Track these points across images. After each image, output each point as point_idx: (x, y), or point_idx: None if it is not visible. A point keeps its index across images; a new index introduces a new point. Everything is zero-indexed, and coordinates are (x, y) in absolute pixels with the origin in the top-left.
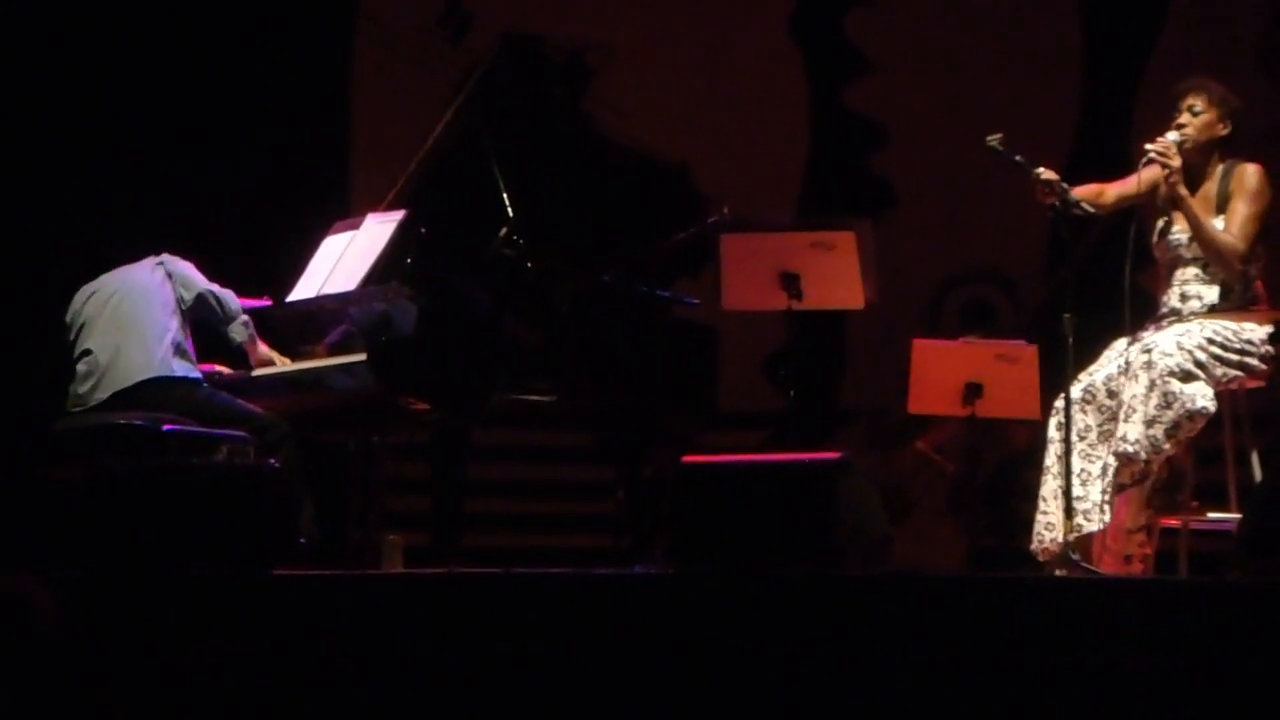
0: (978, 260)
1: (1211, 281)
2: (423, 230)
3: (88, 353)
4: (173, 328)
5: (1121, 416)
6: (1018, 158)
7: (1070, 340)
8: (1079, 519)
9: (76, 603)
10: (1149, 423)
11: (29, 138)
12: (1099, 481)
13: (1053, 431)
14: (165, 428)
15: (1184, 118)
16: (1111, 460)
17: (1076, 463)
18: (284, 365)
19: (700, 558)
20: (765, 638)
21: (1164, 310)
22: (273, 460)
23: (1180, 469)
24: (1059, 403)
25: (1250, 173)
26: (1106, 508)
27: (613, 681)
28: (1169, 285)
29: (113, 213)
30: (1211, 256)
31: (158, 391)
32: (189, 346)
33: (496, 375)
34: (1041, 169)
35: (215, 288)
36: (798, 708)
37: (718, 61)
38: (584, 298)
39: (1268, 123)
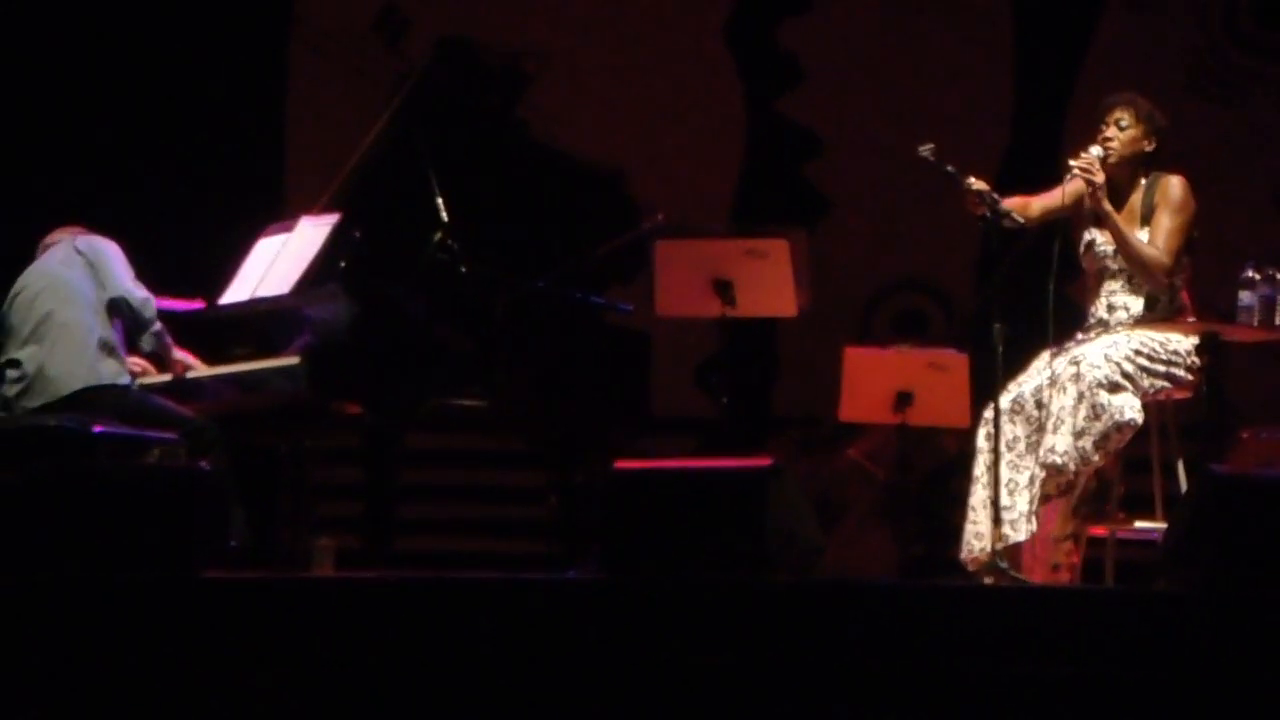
0: (910, 269)
1: (1138, 292)
2: (357, 234)
3: (15, 363)
4: (97, 326)
5: (1049, 428)
6: (949, 168)
7: (1000, 350)
8: (1006, 528)
9: (4, 607)
10: (1078, 434)
11: None
12: (1026, 491)
13: (981, 441)
14: (95, 430)
15: (1110, 131)
16: (1039, 470)
17: (1005, 472)
18: (207, 369)
19: (632, 564)
20: (697, 644)
21: (1091, 321)
22: (204, 463)
23: (1107, 479)
24: (988, 413)
25: (1174, 184)
26: (1033, 518)
27: (545, 686)
28: (1096, 296)
29: (46, 213)
30: (1137, 270)
31: (89, 397)
32: (116, 339)
33: (429, 380)
34: (972, 179)
35: (135, 290)
36: (729, 714)
37: (653, 69)
38: (518, 303)
39: (1193, 140)
